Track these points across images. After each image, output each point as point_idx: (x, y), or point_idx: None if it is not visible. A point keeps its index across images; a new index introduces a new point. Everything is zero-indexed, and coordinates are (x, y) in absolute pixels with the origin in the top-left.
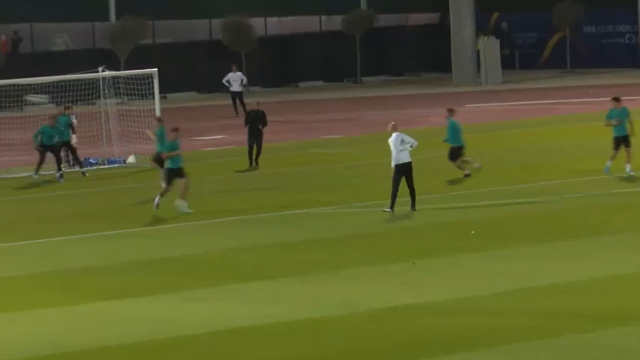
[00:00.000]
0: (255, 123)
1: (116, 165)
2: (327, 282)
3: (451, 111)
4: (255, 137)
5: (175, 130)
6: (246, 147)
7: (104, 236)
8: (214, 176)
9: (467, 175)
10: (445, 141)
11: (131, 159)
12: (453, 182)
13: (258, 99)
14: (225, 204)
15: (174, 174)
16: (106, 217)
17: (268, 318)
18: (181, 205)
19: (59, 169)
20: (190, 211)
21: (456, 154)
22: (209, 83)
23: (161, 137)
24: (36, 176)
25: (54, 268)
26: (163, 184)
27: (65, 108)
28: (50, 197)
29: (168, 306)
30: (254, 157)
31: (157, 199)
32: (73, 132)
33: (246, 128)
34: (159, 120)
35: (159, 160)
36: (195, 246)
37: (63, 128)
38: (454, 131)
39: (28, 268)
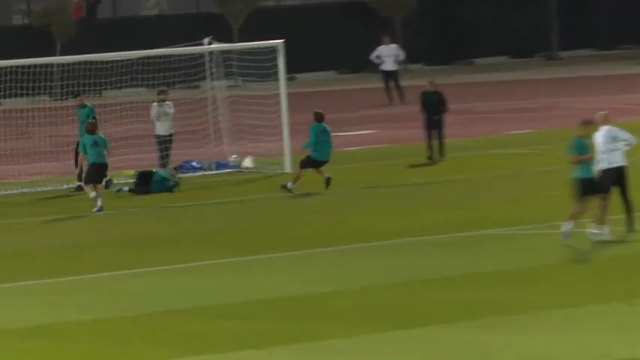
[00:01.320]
0: (432, 108)
1: (227, 170)
2: (504, 329)
3: None
4: (434, 126)
5: (590, 123)
6: (407, 144)
7: (213, 266)
8: (358, 188)
9: None
10: None
11: (247, 162)
12: None
13: (425, 79)
14: (376, 223)
15: (593, 186)
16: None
17: None
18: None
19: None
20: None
21: None
22: (352, 60)
23: None
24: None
25: (162, 308)
26: (577, 205)
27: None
28: (132, 214)
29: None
30: (437, 151)
31: (569, 226)
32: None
33: (421, 116)
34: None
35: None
36: (337, 281)
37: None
38: None
39: (134, 307)
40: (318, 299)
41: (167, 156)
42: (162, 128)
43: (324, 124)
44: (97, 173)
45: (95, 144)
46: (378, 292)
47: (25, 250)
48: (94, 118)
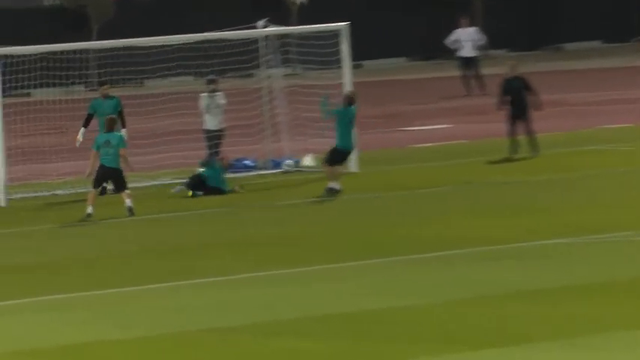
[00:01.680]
0: (514, 96)
1: (284, 169)
2: (600, 347)
3: None
4: (520, 114)
5: None
6: (488, 140)
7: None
8: (433, 189)
9: None
10: None
11: (308, 160)
12: None
13: (510, 63)
14: (451, 228)
15: None
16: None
17: None
18: None
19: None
20: None
21: None
22: (425, 45)
23: None
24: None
25: (212, 325)
26: None
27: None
28: (176, 219)
29: None
30: (526, 146)
31: None
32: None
33: (504, 105)
34: None
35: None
36: (410, 294)
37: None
38: None
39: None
40: (388, 315)
41: (217, 153)
42: (212, 122)
43: (354, 107)
44: (102, 178)
45: (106, 143)
46: (454, 307)
47: (56, 260)
48: (120, 112)
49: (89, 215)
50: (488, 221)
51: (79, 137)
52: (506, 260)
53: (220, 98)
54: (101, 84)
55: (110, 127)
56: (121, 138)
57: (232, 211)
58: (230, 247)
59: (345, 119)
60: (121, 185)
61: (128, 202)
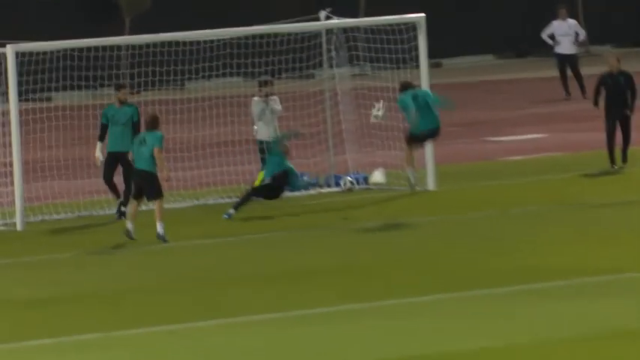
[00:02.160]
0: (617, 92)
1: (349, 187)
2: None
3: None
4: (616, 115)
5: None
6: (589, 152)
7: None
8: (522, 207)
9: None
10: None
11: (377, 176)
12: None
13: (611, 55)
14: (545, 257)
15: None
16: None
17: None
18: None
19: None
20: None
21: None
22: (515, 40)
23: None
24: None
25: None
26: None
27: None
28: (234, 243)
29: None
30: (622, 150)
31: None
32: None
33: (600, 102)
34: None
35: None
36: (502, 333)
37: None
38: None
39: None
40: (481, 357)
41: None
42: (265, 131)
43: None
44: (139, 184)
45: (142, 142)
46: (554, 347)
47: (81, 292)
48: (135, 124)
49: (129, 232)
50: (585, 248)
51: (98, 154)
52: (609, 294)
53: (275, 103)
54: (118, 87)
55: (153, 124)
56: (159, 138)
57: (288, 235)
58: (297, 276)
59: (411, 102)
60: (153, 192)
61: (159, 228)
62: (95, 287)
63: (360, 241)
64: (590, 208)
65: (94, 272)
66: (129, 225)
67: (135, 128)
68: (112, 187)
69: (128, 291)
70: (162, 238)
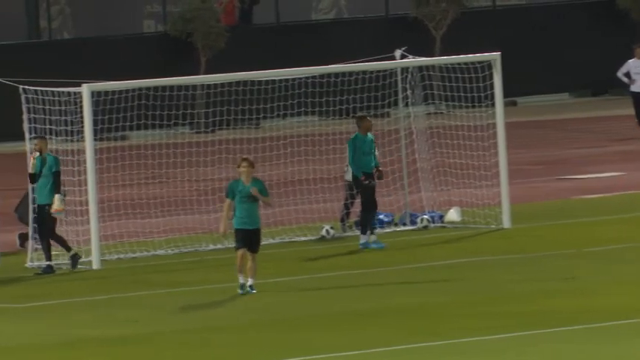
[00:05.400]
0: None
1: (424, 225)
2: None
3: None
4: None
5: None
6: None
7: None
8: (601, 248)
9: None
10: None
11: (452, 214)
12: None
13: None
14: (623, 296)
15: None
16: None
17: None
18: None
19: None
20: None
21: None
22: (592, 78)
23: None
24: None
25: None
26: None
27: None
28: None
29: None
30: None
31: None
32: None
33: None
34: None
35: None
36: None
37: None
38: None
39: None
40: None
41: (351, 204)
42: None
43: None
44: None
45: (249, 198)
46: None
47: (161, 332)
48: (55, 174)
49: (243, 287)
50: None
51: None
52: None
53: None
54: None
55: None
56: (260, 182)
57: (363, 274)
58: (361, 316)
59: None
60: (256, 245)
61: (250, 282)
62: (177, 327)
63: (434, 280)
64: None
65: (174, 312)
66: (242, 278)
67: (55, 178)
68: (59, 241)
69: (209, 330)
70: (250, 287)
